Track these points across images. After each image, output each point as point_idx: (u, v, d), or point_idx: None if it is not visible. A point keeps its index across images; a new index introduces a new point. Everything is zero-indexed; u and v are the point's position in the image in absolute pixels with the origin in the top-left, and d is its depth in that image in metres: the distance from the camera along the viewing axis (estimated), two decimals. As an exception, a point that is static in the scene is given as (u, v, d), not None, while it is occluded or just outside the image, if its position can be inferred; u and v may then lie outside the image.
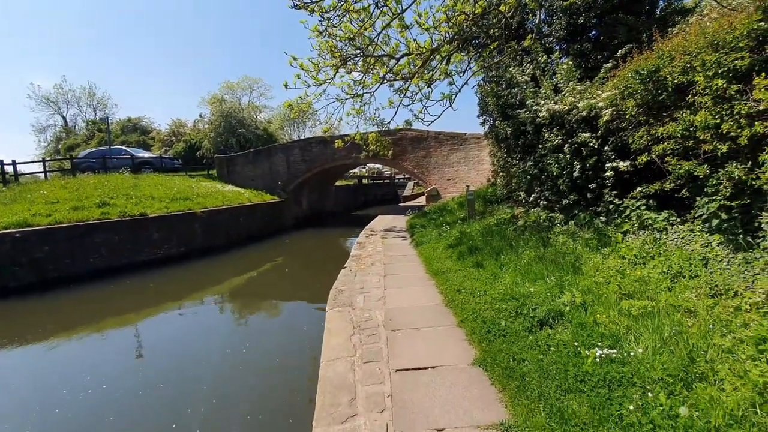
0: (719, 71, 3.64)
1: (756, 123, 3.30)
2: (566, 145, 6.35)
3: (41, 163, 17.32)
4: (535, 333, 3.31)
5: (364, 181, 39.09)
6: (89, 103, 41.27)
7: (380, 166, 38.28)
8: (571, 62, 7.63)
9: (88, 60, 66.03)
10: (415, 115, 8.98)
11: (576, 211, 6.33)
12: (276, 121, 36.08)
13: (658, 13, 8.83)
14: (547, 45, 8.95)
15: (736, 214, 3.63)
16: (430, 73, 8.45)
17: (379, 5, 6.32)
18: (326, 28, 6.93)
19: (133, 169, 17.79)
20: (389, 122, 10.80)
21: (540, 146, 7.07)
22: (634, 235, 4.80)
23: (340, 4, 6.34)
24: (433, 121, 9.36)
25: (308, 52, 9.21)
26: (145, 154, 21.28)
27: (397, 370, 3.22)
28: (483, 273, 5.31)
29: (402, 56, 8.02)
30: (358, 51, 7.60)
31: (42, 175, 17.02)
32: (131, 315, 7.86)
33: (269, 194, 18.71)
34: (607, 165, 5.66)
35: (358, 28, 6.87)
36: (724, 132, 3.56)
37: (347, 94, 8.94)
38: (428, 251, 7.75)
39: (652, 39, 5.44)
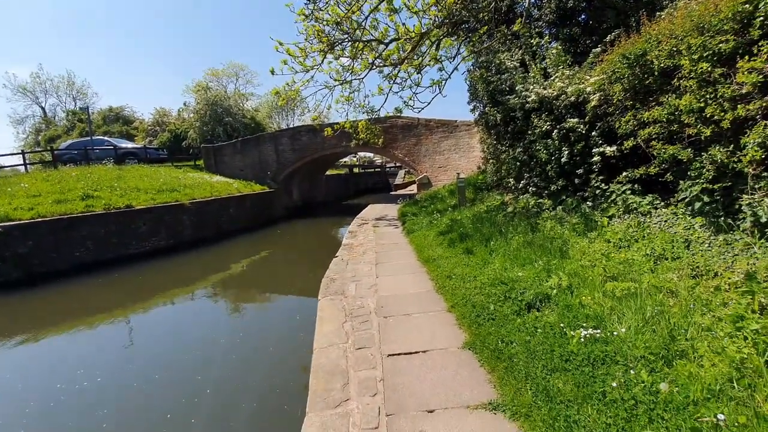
0: (704, 54, 3.66)
1: (738, 106, 3.35)
2: (555, 131, 6.39)
3: (21, 155, 16.71)
4: (522, 316, 3.39)
5: (355, 170, 38.86)
6: (68, 92, 39.91)
7: (371, 154, 38.10)
8: (560, 47, 7.60)
9: (65, 47, 63.48)
10: (405, 101, 8.93)
11: (564, 197, 6.41)
12: (264, 109, 35.37)
13: (646, -4, 8.80)
14: (536, 29, 8.88)
15: (718, 197, 3.72)
16: (420, 58, 8.36)
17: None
18: (312, 12, 6.77)
19: (117, 161, 17.34)
20: (379, 110, 10.73)
21: (529, 132, 7.10)
22: (619, 219, 4.89)
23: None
24: (423, 108, 9.32)
25: (295, 36, 9.02)
26: (129, 145, 20.74)
27: (389, 355, 3.27)
28: (473, 259, 5.37)
29: (391, 41, 7.90)
30: (346, 35, 7.46)
31: (22, 168, 16.50)
32: (122, 308, 7.79)
33: (259, 184, 18.49)
34: (594, 150, 5.72)
35: (345, 11, 6.72)
36: (708, 115, 3.61)
37: (336, 80, 8.81)
38: (419, 239, 7.79)
39: (640, 23, 5.44)
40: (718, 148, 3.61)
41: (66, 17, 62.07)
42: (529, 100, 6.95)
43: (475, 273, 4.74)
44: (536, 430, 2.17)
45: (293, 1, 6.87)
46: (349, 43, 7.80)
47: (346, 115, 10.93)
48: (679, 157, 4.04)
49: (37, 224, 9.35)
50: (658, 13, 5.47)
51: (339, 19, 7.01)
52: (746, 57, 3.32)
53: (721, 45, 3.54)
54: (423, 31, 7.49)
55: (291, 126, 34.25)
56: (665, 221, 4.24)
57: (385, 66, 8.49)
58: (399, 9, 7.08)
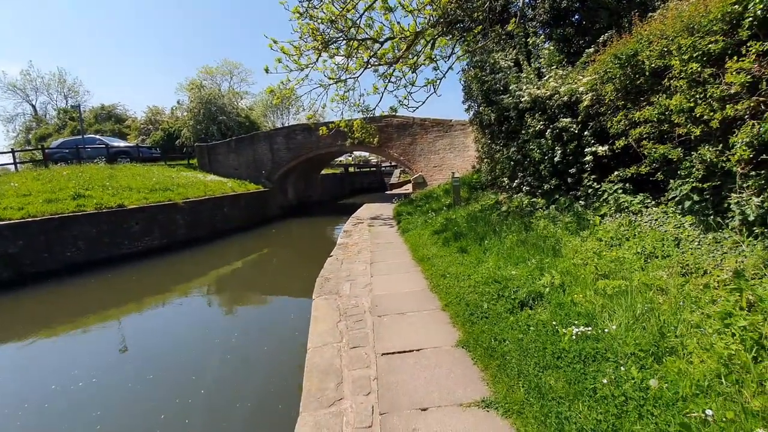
0: (694, 55, 3.71)
1: (727, 106, 3.39)
2: (548, 130, 6.43)
3: (11, 154, 16.46)
4: (515, 314, 3.41)
5: (351, 169, 38.81)
6: (59, 90, 39.27)
7: (366, 153, 38.04)
8: (553, 47, 7.65)
9: (56, 44, 62.54)
10: (400, 101, 8.91)
11: (557, 196, 6.46)
12: (258, 107, 35.15)
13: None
14: (530, 29, 8.92)
15: (707, 196, 3.77)
16: (415, 57, 8.35)
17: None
18: (307, 10, 6.74)
19: (109, 159, 17.14)
20: (374, 109, 10.69)
21: (523, 132, 7.14)
22: (611, 218, 4.94)
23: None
24: (417, 107, 9.32)
25: (289, 35, 8.96)
26: (121, 144, 20.49)
27: (383, 353, 3.27)
28: (467, 258, 5.39)
29: (386, 40, 7.89)
30: (341, 34, 7.43)
31: (12, 167, 16.26)
32: (115, 308, 7.72)
33: (253, 184, 18.38)
34: (586, 150, 5.77)
35: (340, 9, 6.70)
36: (698, 115, 3.65)
37: (330, 79, 8.78)
38: (414, 238, 7.81)
39: (632, 23, 5.49)
40: (707, 147, 3.65)
41: (57, 14, 61.21)
42: (523, 99, 6.99)
43: (469, 272, 4.76)
44: (528, 427, 2.18)
45: (287, -2, 6.84)
46: (344, 41, 7.77)
47: (341, 114, 10.90)
48: (670, 156, 4.09)
49: (28, 224, 9.22)
50: (650, 14, 5.52)
51: (334, 17, 6.98)
52: (735, 57, 3.36)
53: (710, 45, 3.59)
54: (418, 30, 7.48)
55: (286, 125, 34.08)
56: (656, 220, 4.29)
57: (380, 65, 8.48)
58: (394, 8, 7.07)
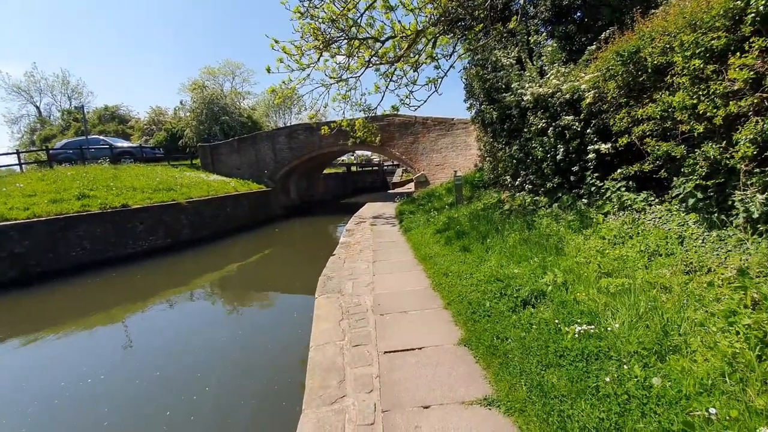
0: (697, 51, 3.68)
1: (731, 102, 3.37)
2: (550, 128, 6.40)
3: (16, 155, 16.58)
4: (518, 312, 3.40)
5: (353, 168, 38.78)
6: (63, 92, 39.57)
7: (368, 153, 38.02)
8: (555, 44, 7.61)
9: (59, 45, 62.92)
10: (401, 99, 8.90)
11: (560, 194, 6.43)
12: (260, 107, 35.23)
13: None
14: (532, 27, 8.88)
15: (711, 193, 3.75)
16: (416, 56, 8.34)
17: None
18: (308, 9, 6.74)
19: (112, 160, 17.25)
20: (376, 108, 10.69)
21: (525, 130, 7.11)
22: (614, 216, 4.92)
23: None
24: (419, 106, 9.30)
25: (290, 34, 8.94)
26: (125, 144, 20.61)
27: (385, 352, 3.28)
28: (470, 256, 5.39)
29: (387, 39, 7.89)
30: (342, 33, 7.43)
31: (17, 168, 16.37)
32: (121, 307, 7.77)
33: (256, 183, 18.44)
34: (589, 147, 5.74)
35: (341, 9, 6.70)
36: (701, 112, 3.63)
37: (332, 78, 8.78)
38: (417, 237, 7.81)
39: (634, 20, 5.46)
40: (710, 144, 3.63)
41: (59, 15, 61.56)
42: (525, 98, 6.96)
43: (472, 270, 4.76)
44: (530, 425, 2.18)
45: (288, -2, 6.85)
46: (345, 40, 7.78)
47: (343, 113, 10.91)
48: (673, 153, 4.06)
49: (33, 224, 9.30)
50: (652, 10, 5.49)
51: (335, 17, 6.99)
52: (738, 53, 3.34)
53: (713, 42, 3.56)
54: (419, 28, 7.47)
55: (288, 124, 34.16)
56: (659, 218, 4.27)
57: (381, 64, 8.47)
58: (395, 6, 7.07)
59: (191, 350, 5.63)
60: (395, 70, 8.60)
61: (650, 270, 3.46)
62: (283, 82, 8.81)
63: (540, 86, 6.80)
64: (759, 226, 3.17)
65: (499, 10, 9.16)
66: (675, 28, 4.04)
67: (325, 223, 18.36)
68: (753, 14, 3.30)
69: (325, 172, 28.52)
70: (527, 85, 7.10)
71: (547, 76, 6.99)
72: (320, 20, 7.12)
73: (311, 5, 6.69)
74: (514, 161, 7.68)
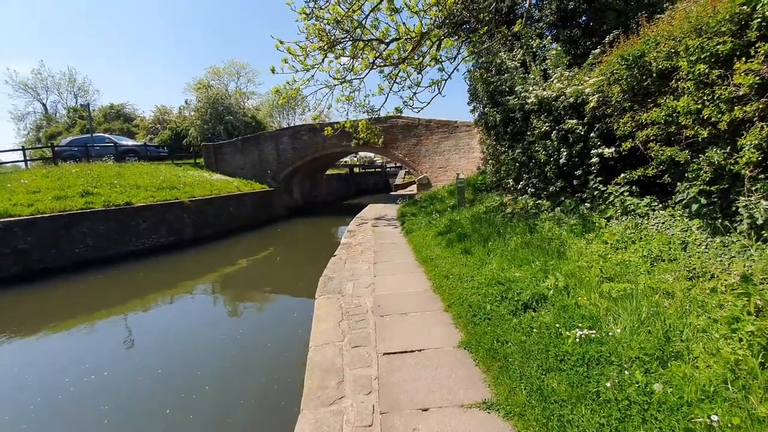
0: (702, 56, 3.66)
1: (735, 108, 3.35)
2: (554, 132, 6.39)
3: (21, 151, 16.73)
4: (519, 316, 3.39)
5: (356, 169, 38.83)
6: (69, 89, 39.89)
7: (371, 154, 38.09)
8: (560, 48, 7.60)
9: (66, 44, 63.47)
10: (405, 101, 8.91)
11: (562, 198, 6.41)
12: (264, 108, 35.35)
13: (647, -2, 8.79)
14: (537, 31, 8.87)
15: (715, 199, 3.72)
16: (420, 58, 8.35)
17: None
18: (313, 10, 6.77)
19: (117, 158, 17.36)
20: (379, 109, 10.71)
21: (528, 133, 7.10)
22: (617, 221, 4.89)
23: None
24: (422, 108, 9.30)
25: (295, 35, 9.01)
26: (129, 142, 20.74)
27: (385, 353, 3.27)
28: (471, 259, 5.37)
29: (392, 41, 7.89)
30: (347, 34, 7.46)
31: (22, 164, 16.52)
32: (123, 305, 7.80)
33: (259, 183, 18.49)
34: (592, 152, 5.72)
35: (346, 10, 6.72)
36: (706, 117, 3.61)
37: (336, 79, 8.81)
38: (418, 239, 7.80)
39: (639, 25, 5.44)
40: (715, 149, 3.60)
41: (66, 14, 62.13)
42: (529, 101, 6.95)
43: (473, 273, 4.75)
44: (530, 430, 2.17)
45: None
46: (350, 42, 7.80)
47: (347, 114, 10.91)
48: (677, 158, 4.04)
49: (37, 220, 9.36)
50: (657, 15, 5.47)
51: (339, 18, 7.01)
52: (743, 59, 3.32)
53: (718, 47, 3.54)
54: (423, 31, 7.48)
55: (292, 125, 34.25)
56: (662, 223, 4.24)
57: (385, 66, 8.48)
58: (400, 9, 7.08)
59: (192, 348, 5.65)
60: (399, 72, 8.61)
61: (653, 275, 3.43)
62: (288, 82, 8.85)
63: (544, 90, 6.78)
64: (763, 232, 3.15)
65: (504, 14, 9.16)
66: (680, 33, 4.02)
67: (327, 224, 18.38)
68: (759, 19, 3.29)
69: (328, 173, 28.57)
70: (531, 89, 7.08)
71: (551, 79, 6.98)
72: (325, 21, 7.14)
73: (316, 6, 6.72)
74: (517, 164, 7.66)
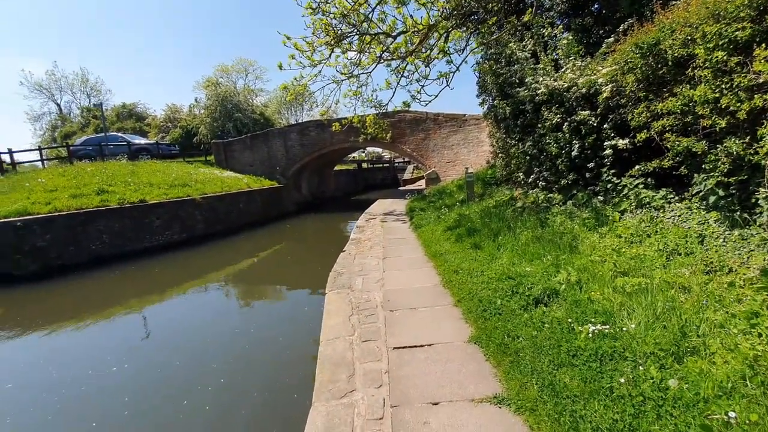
0: (720, 43, 3.54)
1: (755, 96, 3.23)
2: (565, 123, 6.26)
3: (38, 151, 17.18)
4: (530, 311, 3.36)
5: (364, 165, 38.78)
6: (83, 90, 40.61)
7: (379, 149, 37.99)
8: (571, 37, 7.42)
9: (78, 44, 64.51)
10: (412, 95, 8.85)
11: (574, 191, 6.31)
12: (272, 104, 35.47)
13: (662, -16, 8.52)
14: (548, 20, 8.68)
15: (733, 191, 3.62)
16: (428, 51, 8.27)
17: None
18: (319, 5, 6.74)
19: (130, 156, 17.68)
20: (387, 104, 10.67)
21: (539, 126, 6.98)
22: (631, 214, 4.80)
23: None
24: (430, 101, 9.23)
25: (302, 31, 9.02)
26: (142, 141, 21.10)
27: (395, 347, 3.28)
28: (481, 254, 5.34)
29: (399, 34, 7.83)
30: (353, 29, 7.41)
31: (39, 164, 16.96)
32: (140, 300, 8.00)
33: (268, 180, 18.64)
34: (606, 143, 5.60)
35: (352, 4, 6.68)
36: (724, 106, 3.49)
37: (343, 74, 8.78)
38: (427, 234, 7.77)
39: (654, 11, 5.28)
40: (733, 140, 3.49)
41: (78, 15, 63.09)
42: (539, 92, 6.82)
43: (483, 268, 4.72)
44: (541, 425, 2.16)
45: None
46: (357, 36, 7.75)
47: (354, 109, 10.89)
48: (694, 149, 3.93)
49: (55, 218, 9.61)
50: (673, 1, 5.29)
51: (346, 12, 6.97)
52: (763, 45, 3.19)
53: (737, 33, 3.41)
54: (431, 23, 7.39)
55: (300, 121, 34.35)
56: (679, 216, 4.14)
57: (392, 59, 8.42)
58: (407, 1, 7.01)
59: (206, 342, 5.77)
60: (406, 65, 8.54)
61: (668, 269, 3.36)
62: (295, 78, 8.87)
63: (555, 80, 6.65)
64: (785, 224, 3.05)
65: (514, 3, 8.98)
66: (697, 19, 3.89)
67: (336, 220, 18.45)
68: (782, 3, 3.16)
69: (336, 168, 28.63)
70: (542, 79, 6.95)
71: (563, 69, 6.83)
72: (332, 16, 7.12)
73: (323, 0, 6.69)
74: (528, 157, 7.55)
